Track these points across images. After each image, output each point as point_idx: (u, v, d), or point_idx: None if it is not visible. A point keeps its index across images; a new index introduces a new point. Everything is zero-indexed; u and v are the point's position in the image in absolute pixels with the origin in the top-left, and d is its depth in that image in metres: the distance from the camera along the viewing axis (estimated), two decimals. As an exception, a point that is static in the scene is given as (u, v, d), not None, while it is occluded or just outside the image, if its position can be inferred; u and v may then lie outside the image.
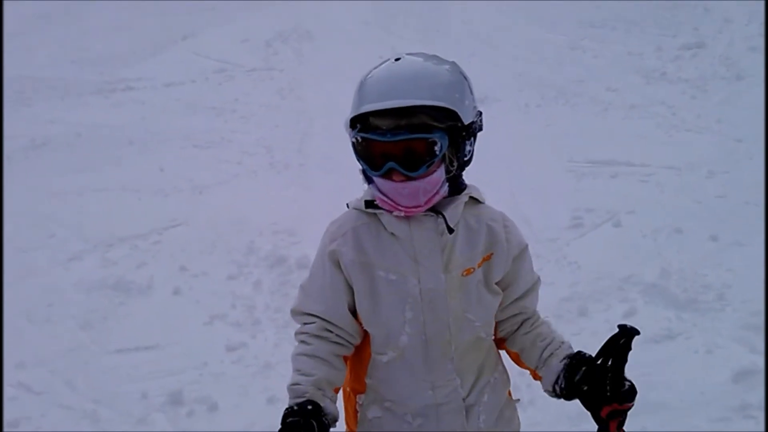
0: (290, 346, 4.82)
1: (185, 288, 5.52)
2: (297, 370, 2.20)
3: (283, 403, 4.48)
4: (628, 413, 2.17)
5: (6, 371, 4.65)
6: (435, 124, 1.99)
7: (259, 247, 5.93)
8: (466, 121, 2.04)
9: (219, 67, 10.02)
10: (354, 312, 2.24)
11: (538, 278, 2.38)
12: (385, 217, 2.16)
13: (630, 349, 2.12)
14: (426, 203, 2.08)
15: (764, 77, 8.15)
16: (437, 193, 2.08)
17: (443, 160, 2.05)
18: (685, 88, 8.56)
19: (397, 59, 2.07)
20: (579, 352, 2.25)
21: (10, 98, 9.11)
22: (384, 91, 1.99)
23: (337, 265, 2.21)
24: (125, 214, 6.53)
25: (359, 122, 2.04)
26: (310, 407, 2.07)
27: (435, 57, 2.12)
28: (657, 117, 7.98)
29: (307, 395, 2.11)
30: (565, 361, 2.23)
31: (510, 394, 2.52)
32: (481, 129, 2.14)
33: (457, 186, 2.17)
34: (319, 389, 2.15)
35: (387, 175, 2.04)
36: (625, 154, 7.17)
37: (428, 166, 2.01)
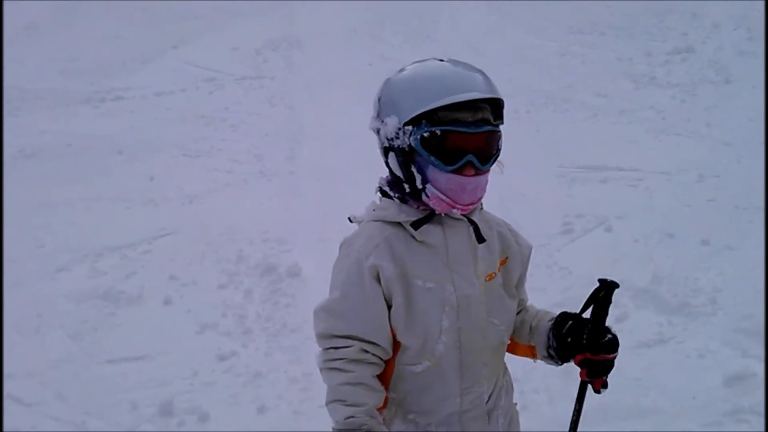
0: (281, 355, 4.86)
1: (175, 297, 5.50)
2: (343, 401, 2.12)
3: (273, 411, 4.49)
4: (612, 367, 2.27)
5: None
6: (497, 118, 2.09)
7: (249, 256, 5.91)
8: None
9: (209, 76, 10.02)
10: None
11: None
12: (417, 227, 2.14)
13: (610, 301, 2.21)
14: (478, 200, 2.13)
15: (764, 82, 8.17)
16: (485, 189, 2.13)
17: None
18: (674, 93, 8.59)
19: (441, 60, 2.12)
20: (565, 312, 2.32)
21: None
22: (460, 85, 2.02)
23: (377, 279, 2.14)
24: (115, 224, 6.51)
25: (425, 119, 2.02)
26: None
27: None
28: (646, 122, 8.00)
29: (366, 427, 2.08)
30: (551, 321, 2.32)
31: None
32: None
33: None
34: (373, 417, 2.11)
35: (459, 170, 2.04)
36: (615, 159, 7.18)
37: (495, 159, 2.08)
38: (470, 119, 2.02)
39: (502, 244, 2.28)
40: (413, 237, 2.15)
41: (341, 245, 2.25)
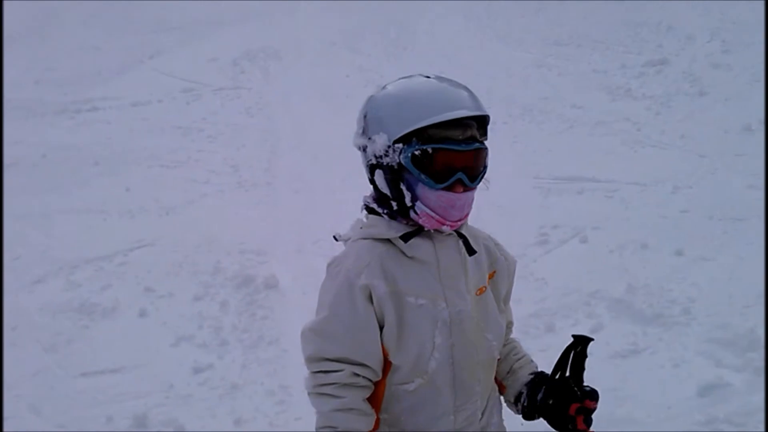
0: (258, 366, 4.84)
1: (151, 309, 5.48)
2: (334, 428, 2.10)
3: (250, 424, 4.46)
4: (593, 417, 2.28)
5: (-32, 396, 4.59)
6: (483, 135, 2.10)
7: (226, 267, 5.90)
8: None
9: (186, 87, 10.00)
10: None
11: None
12: (407, 243, 2.12)
13: (586, 356, 2.24)
14: (465, 216, 2.12)
15: (764, 82, 8.25)
16: (471, 206, 2.13)
17: None
18: (649, 105, 8.66)
19: (427, 77, 2.12)
20: (542, 372, 2.34)
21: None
22: (451, 102, 2.03)
23: (370, 299, 2.11)
24: (91, 236, 6.48)
25: (415, 136, 2.01)
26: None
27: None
28: (622, 133, 8.06)
29: None
30: (531, 376, 2.32)
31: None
32: None
33: None
34: None
35: (449, 187, 2.04)
36: (590, 171, 7.22)
37: (482, 176, 2.09)
38: (460, 137, 2.02)
39: (489, 258, 2.28)
40: (404, 253, 2.13)
41: (329, 265, 2.20)
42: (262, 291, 5.58)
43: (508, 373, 2.38)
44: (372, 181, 2.14)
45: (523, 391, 2.31)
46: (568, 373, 2.25)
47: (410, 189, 2.06)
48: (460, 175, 2.03)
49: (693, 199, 6.56)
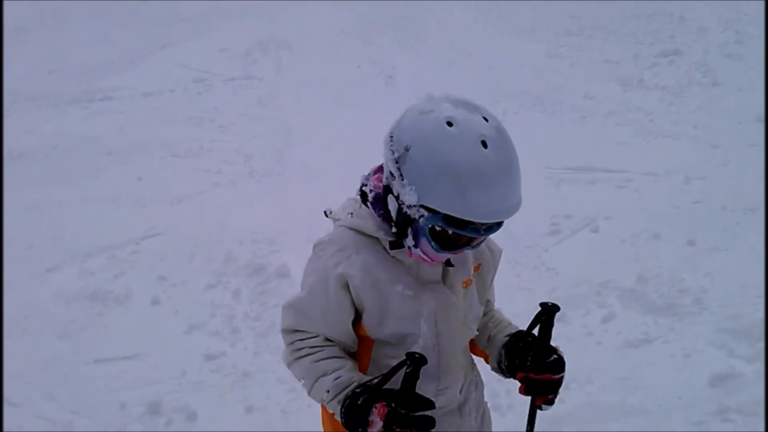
0: (269, 355, 4.86)
1: (164, 298, 5.50)
2: (324, 373, 2.18)
3: (262, 412, 4.49)
4: (560, 386, 2.31)
5: (-17, 383, 4.63)
6: None
7: (238, 257, 5.91)
8: None
9: (198, 77, 9.99)
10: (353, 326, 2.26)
11: None
12: (393, 248, 2.17)
13: (552, 324, 2.27)
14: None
15: (764, 77, 8.22)
16: None
17: None
18: (662, 95, 8.61)
19: (483, 142, 1.91)
20: (519, 331, 2.39)
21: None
22: (489, 201, 1.92)
23: (345, 287, 2.17)
24: (103, 225, 6.50)
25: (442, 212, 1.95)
26: (373, 380, 2.10)
27: (492, 120, 1.99)
28: (634, 124, 8.02)
29: (355, 381, 2.14)
30: (507, 338, 2.38)
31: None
32: None
33: None
34: (358, 372, 2.20)
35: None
36: (602, 161, 7.20)
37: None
38: (486, 226, 1.98)
39: (475, 252, 2.26)
40: (386, 250, 2.18)
41: (315, 246, 2.29)
42: (274, 280, 5.60)
43: (488, 341, 2.47)
44: (386, 188, 2.08)
45: (501, 352, 2.37)
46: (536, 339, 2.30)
47: (416, 237, 2.05)
48: (467, 247, 2.08)
49: (705, 189, 6.55)
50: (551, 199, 6.61)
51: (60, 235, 6.35)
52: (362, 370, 2.30)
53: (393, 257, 2.17)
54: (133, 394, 4.55)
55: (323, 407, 2.44)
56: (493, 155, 1.91)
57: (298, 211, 6.53)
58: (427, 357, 2.18)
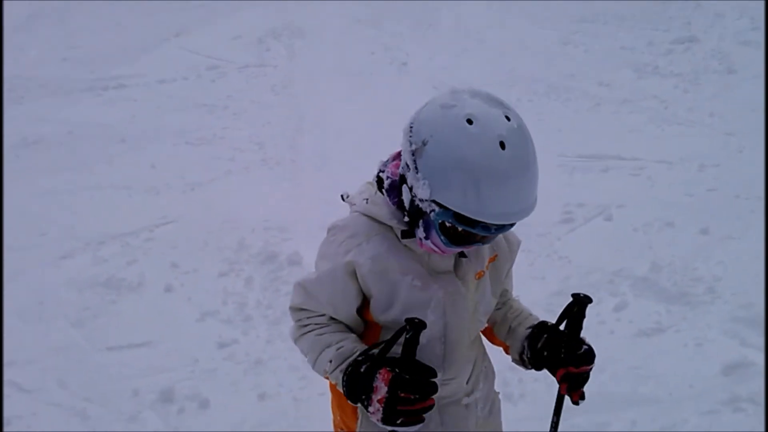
0: (282, 342, 4.87)
1: (176, 285, 5.52)
2: (327, 345, 2.20)
3: (274, 399, 4.51)
4: (589, 378, 2.32)
5: (-3, 370, 4.66)
6: None
7: (250, 244, 5.93)
8: None
9: (211, 64, 10.01)
10: (359, 312, 2.27)
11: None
12: (405, 237, 2.14)
13: (584, 316, 2.25)
14: None
15: (765, 73, 8.16)
16: None
17: None
18: (677, 82, 8.57)
19: (501, 143, 1.87)
20: (543, 322, 2.38)
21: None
22: (501, 201, 1.89)
23: (353, 275, 2.18)
24: (116, 212, 6.52)
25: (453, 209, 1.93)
26: (374, 350, 2.11)
27: (515, 117, 1.94)
28: (649, 111, 7.99)
29: (357, 350, 2.14)
30: (529, 329, 2.37)
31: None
32: None
33: None
34: (361, 344, 2.20)
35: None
36: (616, 149, 7.18)
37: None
38: (494, 226, 1.94)
39: (492, 243, 2.23)
40: (398, 238, 2.16)
41: (329, 229, 2.28)
42: (286, 267, 5.61)
43: (508, 332, 2.45)
44: (402, 178, 2.06)
45: (524, 344, 2.37)
46: (565, 330, 2.29)
47: (426, 229, 2.03)
48: (478, 244, 2.08)
49: (719, 177, 6.52)
50: (564, 187, 6.59)
51: (73, 223, 6.38)
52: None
53: (405, 246, 2.16)
54: (146, 382, 4.57)
55: (332, 393, 2.45)
56: (511, 157, 1.88)
57: (310, 199, 6.54)
58: (433, 348, 2.22)
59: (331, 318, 2.26)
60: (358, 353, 2.12)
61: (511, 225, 1.97)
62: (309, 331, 2.27)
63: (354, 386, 2.06)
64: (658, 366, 4.46)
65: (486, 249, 2.26)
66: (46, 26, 11.63)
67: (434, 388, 2.03)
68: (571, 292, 2.27)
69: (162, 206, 6.60)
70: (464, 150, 1.87)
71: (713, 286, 5.08)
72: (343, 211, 2.37)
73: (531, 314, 2.47)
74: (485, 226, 1.93)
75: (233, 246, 5.92)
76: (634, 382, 4.35)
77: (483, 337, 2.52)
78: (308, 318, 2.28)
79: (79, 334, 5.07)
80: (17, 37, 10.98)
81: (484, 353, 2.50)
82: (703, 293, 5.04)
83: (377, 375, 2.02)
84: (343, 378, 2.10)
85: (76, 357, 4.85)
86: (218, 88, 9.40)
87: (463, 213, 1.90)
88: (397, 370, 2.01)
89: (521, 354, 2.38)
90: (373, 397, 2.01)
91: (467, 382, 2.39)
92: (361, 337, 2.30)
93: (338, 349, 2.17)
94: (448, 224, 1.96)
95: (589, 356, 2.27)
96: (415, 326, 2.01)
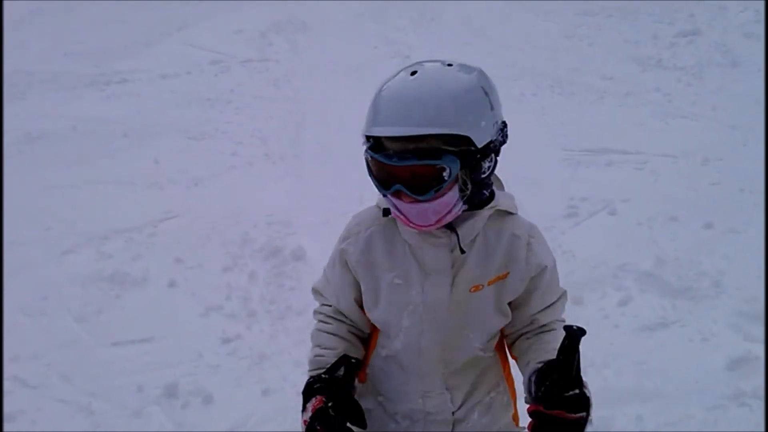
0: (285, 337, 4.87)
1: (180, 280, 5.51)
2: (318, 345, 2.26)
3: (278, 394, 4.50)
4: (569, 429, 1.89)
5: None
6: (446, 148, 1.86)
7: (254, 239, 5.92)
8: (482, 143, 1.90)
9: (214, 59, 10.00)
10: (362, 306, 2.26)
11: (564, 293, 2.27)
12: (401, 225, 2.08)
13: (577, 351, 1.86)
14: (437, 222, 1.97)
15: (765, 67, 8.14)
16: (449, 212, 1.96)
17: (456, 181, 1.92)
18: (680, 76, 8.56)
19: (413, 72, 1.90)
20: (553, 359, 1.97)
21: (3, 92, 9.08)
22: (395, 114, 1.85)
23: (345, 264, 2.21)
24: (120, 207, 6.52)
25: (372, 138, 1.92)
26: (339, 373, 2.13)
27: (456, 67, 1.94)
28: (652, 104, 7.97)
29: (328, 364, 2.17)
30: (539, 365, 2.01)
31: (515, 420, 2.41)
32: (504, 142, 2.03)
33: (479, 199, 2.05)
34: (347, 358, 2.21)
35: (396, 195, 1.94)
36: (620, 142, 7.17)
37: (437, 191, 1.89)
38: (396, 150, 1.87)
39: (506, 258, 2.12)
40: (401, 233, 2.13)
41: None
42: (290, 262, 5.60)
43: (526, 367, 2.15)
44: None
45: (531, 380, 2.02)
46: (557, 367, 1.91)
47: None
48: (398, 186, 1.90)
49: (723, 171, 6.50)
50: (568, 181, 6.58)
51: (77, 218, 6.37)
52: (367, 358, 2.32)
53: (405, 241, 2.11)
54: (150, 377, 4.57)
55: None
56: (413, 79, 1.89)
57: (313, 194, 6.54)
58: (407, 353, 2.20)
59: (339, 311, 2.29)
60: (323, 371, 2.16)
61: (413, 160, 1.85)
62: (317, 321, 2.34)
63: (304, 397, 2.14)
64: (663, 361, 4.44)
65: (496, 262, 2.11)
66: (48, 21, 11.63)
67: None
68: (564, 325, 1.89)
69: (165, 201, 6.59)
70: (384, 82, 1.94)
71: (718, 281, 5.07)
72: (346, 205, 2.39)
73: (555, 349, 1.97)
74: (386, 153, 1.88)
75: (237, 241, 5.91)
76: (638, 376, 4.34)
77: (500, 364, 2.34)
78: (321, 306, 2.36)
79: (83, 329, 5.07)
80: (20, 32, 10.99)
81: (496, 385, 2.33)
82: (707, 287, 5.02)
83: (313, 399, 2.08)
84: (305, 385, 2.17)
85: (80, 352, 4.85)
86: (221, 82, 9.40)
87: (364, 134, 1.93)
88: (329, 404, 2.04)
89: (530, 392, 2.02)
90: (304, 415, 2.09)
91: (458, 409, 2.28)
92: (369, 337, 2.31)
93: (316, 355, 2.24)
94: (366, 157, 1.95)
95: (574, 403, 1.86)
96: (351, 365, 2.08)
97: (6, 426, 4.20)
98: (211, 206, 6.45)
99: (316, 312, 2.37)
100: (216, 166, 7.24)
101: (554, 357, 1.94)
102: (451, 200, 1.94)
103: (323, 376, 2.14)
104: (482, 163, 1.94)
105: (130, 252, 5.87)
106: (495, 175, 2.13)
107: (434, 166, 1.85)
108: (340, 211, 6.02)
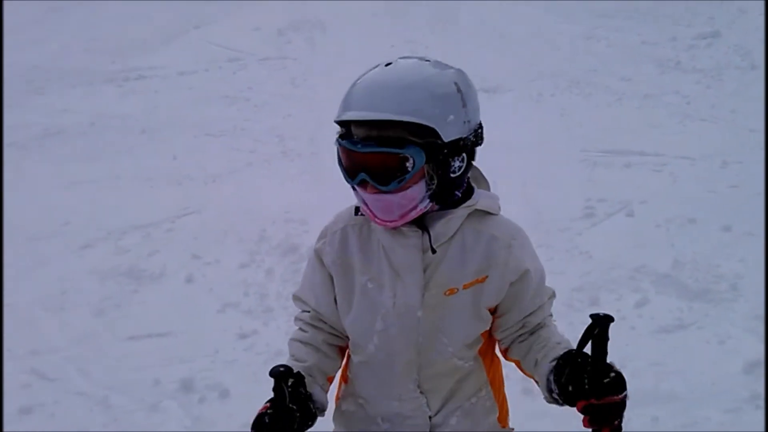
0: (302, 334, 4.84)
1: (198, 276, 5.54)
2: (291, 356, 2.22)
3: (295, 390, 4.48)
4: (623, 409, 1.91)
5: (19, 358, 4.69)
6: (411, 138, 1.84)
7: (271, 236, 5.94)
8: (449, 138, 1.87)
9: (232, 56, 10.04)
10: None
11: (552, 293, 2.21)
12: (374, 224, 2.05)
13: (607, 338, 1.87)
14: (401, 218, 1.94)
15: (764, 66, 8.12)
16: (414, 208, 1.93)
17: (423, 175, 1.90)
18: (699, 78, 8.53)
19: (388, 64, 1.95)
20: (568, 352, 1.99)
21: (23, 88, 9.15)
22: (364, 100, 1.88)
23: (321, 263, 2.18)
24: (138, 203, 6.56)
25: (344, 127, 1.93)
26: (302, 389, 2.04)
27: (432, 63, 1.96)
28: (671, 106, 7.95)
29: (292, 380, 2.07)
30: (553, 362, 2.00)
31: (502, 422, 2.36)
32: (478, 144, 1.99)
33: (452, 199, 2.02)
34: (310, 376, 2.13)
35: (361, 186, 1.93)
36: (638, 144, 7.15)
37: (400, 182, 1.87)
38: (360, 137, 1.88)
39: (486, 262, 2.05)
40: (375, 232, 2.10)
41: None
42: (306, 259, 5.61)
43: (535, 367, 2.10)
44: None
45: (549, 379, 2.00)
46: (589, 355, 1.90)
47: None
48: (362, 175, 1.90)
49: (742, 174, 6.48)
50: (586, 182, 6.57)
51: (96, 213, 6.41)
52: (348, 360, 2.29)
53: (377, 240, 2.08)
54: (167, 371, 4.59)
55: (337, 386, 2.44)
56: (387, 71, 1.93)
57: (330, 191, 6.51)
58: (380, 359, 2.15)
59: (318, 317, 2.23)
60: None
61: (374, 147, 1.86)
62: (296, 328, 2.30)
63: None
64: (680, 363, 4.43)
65: (474, 265, 2.05)
66: (67, 17, 11.69)
67: None
68: (590, 313, 1.88)
69: (183, 197, 6.63)
70: (362, 72, 1.95)
71: (735, 283, 5.05)
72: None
73: (559, 343, 2.07)
74: (352, 140, 1.89)
75: (254, 237, 5.93)
76: (655, 378, 4.33)
77: (484, 370, 2.27)
78: (301, 312, 2.30)
79: (100, 323, 5.10)
80: (39, 28, 11.06)
81: (478, 390, 2.26)
82: (725, 290, 5.01)
83: (266, 402, 2.04)
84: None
85: (98, 346, 4.88)
86: (239, 79, 9.43)
87: (334, 120, 1.93)
88: (270, 411, 1.99)
89: (551, 392, 2.00)
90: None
91: (436, 414, 2.22)
92: (345, 347, 2.27)
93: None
94: (335, 145, 1.96)
95: (616, 385, 1.87)
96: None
97: (24, 418, 4.23)
98: (228, 203, 6.47)
99: (296, 319, 2.31)
100: (234, 163, 7.27)
101: (559, 352, 2.00)
102: (415, 194, 1.91)
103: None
104: (450, 160, 1.91)
105: (147, 247, 5.91)
106: (482, 175, 2.13)
107: (397, 155, 1.85)
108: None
